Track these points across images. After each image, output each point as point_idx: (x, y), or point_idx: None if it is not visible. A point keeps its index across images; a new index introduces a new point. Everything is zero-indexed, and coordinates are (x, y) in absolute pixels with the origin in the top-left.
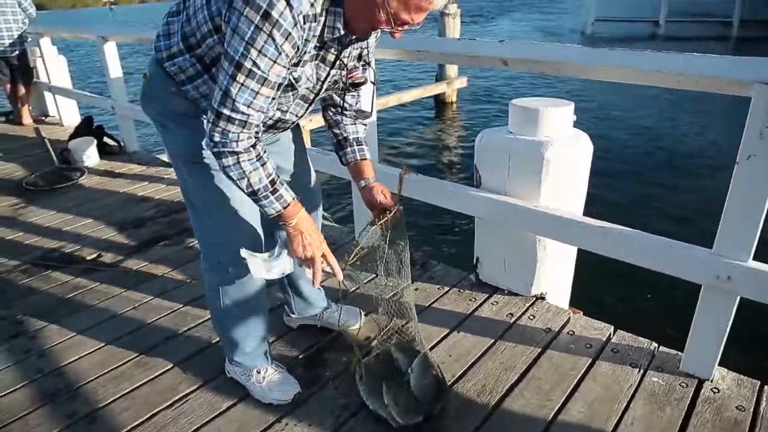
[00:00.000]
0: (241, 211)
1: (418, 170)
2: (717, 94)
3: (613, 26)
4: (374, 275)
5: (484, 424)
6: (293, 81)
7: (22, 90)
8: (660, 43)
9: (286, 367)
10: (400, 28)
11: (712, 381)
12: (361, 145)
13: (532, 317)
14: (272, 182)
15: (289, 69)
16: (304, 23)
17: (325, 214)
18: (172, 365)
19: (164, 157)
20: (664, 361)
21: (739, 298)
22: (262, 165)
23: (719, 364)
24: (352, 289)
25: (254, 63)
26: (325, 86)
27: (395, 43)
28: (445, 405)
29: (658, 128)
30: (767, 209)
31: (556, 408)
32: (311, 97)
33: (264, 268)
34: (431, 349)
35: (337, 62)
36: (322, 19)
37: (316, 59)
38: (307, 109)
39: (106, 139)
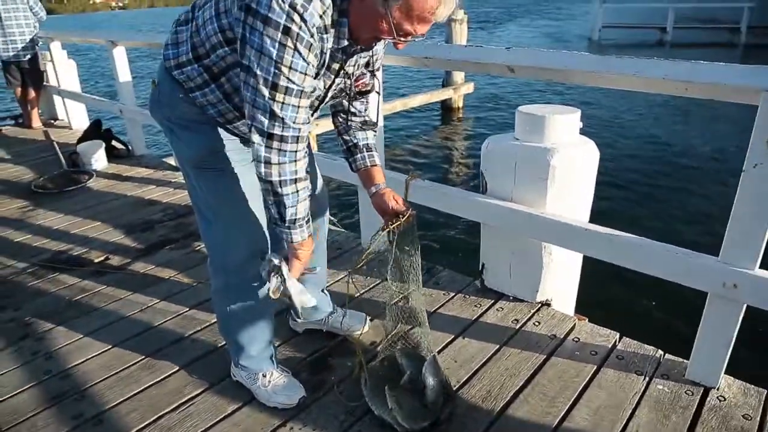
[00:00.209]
0: (248, 216)
1: (424, 176)
2: (725, 102)
3: (620, 33)
4: (383, 279)
5: (489, 430)
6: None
7: (32, 93)
8: (667, 50)
9: (292, 371)
10: (403, 39)
11: (718, 389)
12: (371, 151)
13: (537, 323)
14: (308, 213)
15: (314, 78)
16: (318, 35)
17: (332, 218)
18: (178, 368)
19: (172, 161)
20: (670, 368)
21: (745, 306)
22: (310, 197)
23: (725, 373)
24: (357, 294)
25: (288, 80)
26: (330, 94)
27: (402, 49)
28: (452, 410)
29: (665, 135)
30: None
31: (561, 415)
32: (316, 104)
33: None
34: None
35: (341, 71)
36: (333, 30)
37: (323, 67)
38: (312, 115)
39: (114, 143)
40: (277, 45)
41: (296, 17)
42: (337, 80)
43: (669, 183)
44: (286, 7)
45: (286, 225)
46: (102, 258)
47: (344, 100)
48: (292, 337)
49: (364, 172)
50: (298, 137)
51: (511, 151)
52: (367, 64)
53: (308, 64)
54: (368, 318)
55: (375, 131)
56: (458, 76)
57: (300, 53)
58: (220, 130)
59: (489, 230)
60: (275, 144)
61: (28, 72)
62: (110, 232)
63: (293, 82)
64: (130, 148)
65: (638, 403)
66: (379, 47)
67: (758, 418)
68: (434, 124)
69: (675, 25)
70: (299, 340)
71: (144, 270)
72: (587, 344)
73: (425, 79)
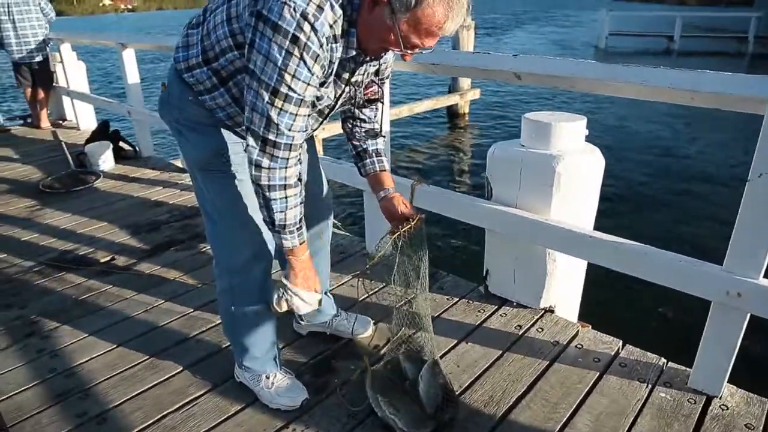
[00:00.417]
0: (254, 218)
1: (429, 181)
2: (732, 111)
3: (627, 41)
4: (389, 283)
5: None
6: (315, 100)
7: (41, 94)
8: (674, 59)
9: (295, 373)
10: (410, 51)
11: (720, 398)
12: (380, 156)
13: (540, 330)
14: (300, 220)
15: (318, 89)
16: (327, 45)
17: (336, 222)
18: (182, 368)
19: (178, 163)
20: (673, 376)
21: (749, 315)
22: (301, 203)
23: (728, 382)
24: (361, 297)
25: (290, 87)
26: (339, 102)
27: None
28: (454, 415)
29: (671, 144)
30: None
31: (563, 421)
32: (326, 112)
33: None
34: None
35: (351, 80)
36: (343, 40)
37: (332, 76)
38: (321, 123)
39: (121, 144)
40: (283, 53)
41: (306, 26)
42: (347, 89)
43: (674, 191)
44: (297, 16)
45: (276, 229)
46: (108, 258)
47: (353, 108)
48: (295, 339)
49: (372, 177)
50: (291, 145)
51: (517, 158)
52: (376, 73)
53: (312, 74)
54: (373, 322)
55: (384, 136)
56: (465, 82)
57: (305, 63)
58: (228, 133)
59: (493, 236)
60: (268, 149)
61: (39, 72)
62: (116, 232)
63: (294, 91)
64: (137, 149)
65: (640, 411)
66: (389, 56)
67: (761, 428)
68: (440, 129)
69: (682, 33)
70: (303, 343)
71: (150, 270)
72: (590, 351)
73: (432, 85)
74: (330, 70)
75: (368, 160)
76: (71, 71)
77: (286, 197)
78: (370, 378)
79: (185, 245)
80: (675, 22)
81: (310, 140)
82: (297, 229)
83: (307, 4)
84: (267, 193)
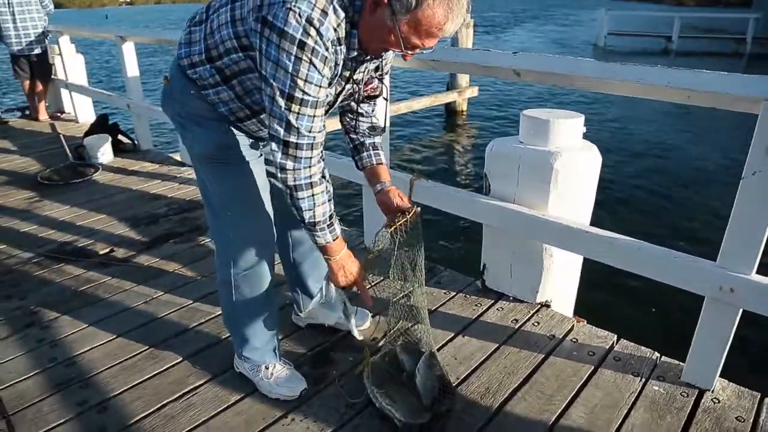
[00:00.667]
0: (256, 210)
1: (427, 177)
2: (728, 111)
3: (625, 40)
4: (386, 277)
5: (487, 426)
6: None
7: (39, 86)
8: (672, 59)
9: (294, 364)
10: (410, 52)
11: (712, 391)
12: (377, 149)
13: (536, 324)
14: (331, 216)
15: (327, 89)
16: (332, 47)
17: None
18: (181, 359)
19: (177, 156)
20: (666, 370)
21: (741, 310)
22: (329, 200)
23: (720, 376)
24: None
25: (304, 92)
26: (340, 98)
27: None
28: (451, 406)
29: (667, 141)
30: None
31: (558, 412)
32: (327, 108)
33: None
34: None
35: (352, 78)
36: (347, 42)
37: (337, 77)
38: None
39: (120, 137)
40: (293, 58)
41: (312, 31)
42: (347, 86)
43: (669, 188)
44: (303, 21)
45: (307, 227)
46: (107, 250)
47: (352, 102)
48: (294, 331)
49: (369, 170)
50: (312, 144)
51: (515, 154)
52: (376, 69)
53: (323, 76)
54: (370, 314)
55: (382, 133)
56: (463, 80)
57: (315, 66)
58: (229, 126)
59: (491, 231)
60: (291, 151)
61: (37, 65)
62: (115, 224)
63: (308, 94)
64: (136, 142)
65: (634, 403)
66: (389, 54)
67: (751, 420)
68: (439, 127)
69: (681, 34)
70: (301, 335)
71: (148, 262)
72: (585, 345)
73: (430, 84)
74: (336, 72)
75: (365, 154)
76: (70, 64)
77: (313, 195)
78: (368, 369)
79: (184, 238)
80: (673, 23)
81: None
82: (328, 225)
83: (312, 9)
84: (295, 194)
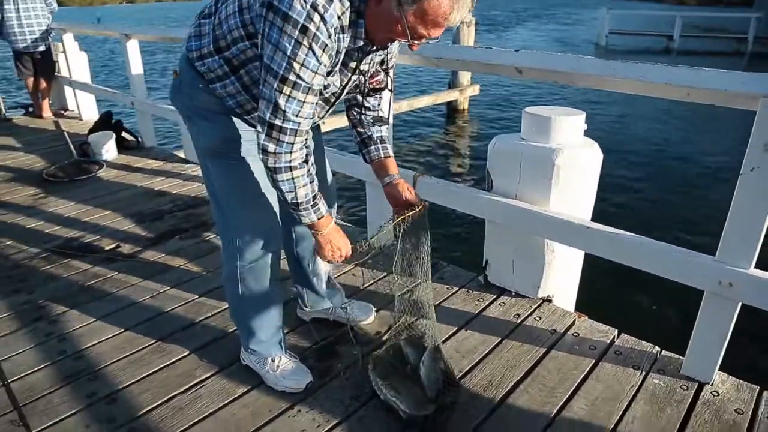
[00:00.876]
0: (261, 203)
1: (430, 174)
2: (727, 108)
3: (627, 39)
4: (391, 271)
5: (490, 417)
6: (323, 88)
7: (43, 84)
8: (674, 57)
9: (299, 357)
10: (417, 41)
11: (712, 384)
12: (385, 143)
13: (538, 318)
14: (314, 197)
15: (324, 77)
16: (335, 35)
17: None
18: (188, 352)
19: (181, 153)
20: (666, 364)
21: (740, 304)
22: (311, 182)
23: (720, 369)
24: (364, 286)
25: (298, 76)
26: (346, 90)
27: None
28: (455, 398)
29: (668, 139)
30: None
31: (560, 405)
32: (333, 100)
33: None
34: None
35: (357, 69)
36: (350, 30)
37: (338, 65)
38: (328, 110)
39: (124, 134)
40: (293, 42)
41: (316, 17)
42: (353, 77)
43: (669, 184)
44: (308, 7)
45: (291, 207)
46: (113, 246)
47: (358, 95)
48: (299, 325)
49: (377, 163)
50: (296, 131)
51: (517, 150)
52: (381, 62)
53: (320, 63)
54: (375, 309)
55: (388, 123)
56: (464, 78)
57: (314, 52)
58: (237, 121)
59: (493, 227)
60: (274, 134)
61: (41, 62)
62: (120, 221)
63: (302, 79)
64: (140, 139)
65: (634, 396)
66: (394, 46)
67: (750, 412)
68: (440, 125)
69: (682, 33)
70: (306, 329)
71: (154, 258)
72: (586, 339)
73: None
74: (337, 60)
75: (372, 147)
76: (73, 61)
77: (293, 178)
78: (372, 362)
79: (189, 234)
80: (675, 22)
81: (317, 129)
82: (312, 206)
83: None
84: (274, 176)
